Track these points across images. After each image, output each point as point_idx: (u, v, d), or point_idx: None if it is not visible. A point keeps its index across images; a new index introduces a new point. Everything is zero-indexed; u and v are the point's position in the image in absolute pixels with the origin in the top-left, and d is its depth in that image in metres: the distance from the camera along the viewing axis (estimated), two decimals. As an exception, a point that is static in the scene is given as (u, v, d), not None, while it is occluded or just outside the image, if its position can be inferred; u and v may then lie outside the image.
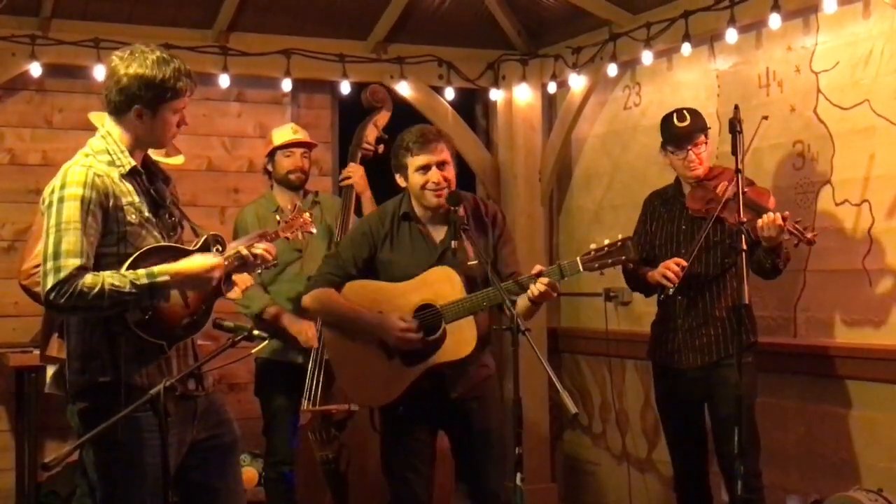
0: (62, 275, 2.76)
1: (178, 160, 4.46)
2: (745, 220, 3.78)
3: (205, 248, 3.06)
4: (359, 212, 4.84)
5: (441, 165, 3.68)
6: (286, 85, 5.63)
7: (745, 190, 3.90)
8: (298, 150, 4.84)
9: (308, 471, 4.57)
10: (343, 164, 5.08)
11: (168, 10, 5.34)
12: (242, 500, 3.23)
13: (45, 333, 4.01)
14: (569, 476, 6.07)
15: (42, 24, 5.20)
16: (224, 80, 5.49)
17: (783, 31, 4.53)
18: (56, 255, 2.77)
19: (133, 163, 2.95)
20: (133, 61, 2.88)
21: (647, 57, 5.08)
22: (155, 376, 2.91)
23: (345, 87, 5.67)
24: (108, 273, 2.81)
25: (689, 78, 5.17)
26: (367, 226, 3.85)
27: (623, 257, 3.37)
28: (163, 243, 2.97)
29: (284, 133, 4.88)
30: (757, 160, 4.58)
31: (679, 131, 4.11)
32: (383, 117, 4.98)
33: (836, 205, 4.38)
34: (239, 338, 2.97)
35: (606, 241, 3.40)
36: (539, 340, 5.59)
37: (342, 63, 5.65)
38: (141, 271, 2.84)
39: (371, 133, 4.94)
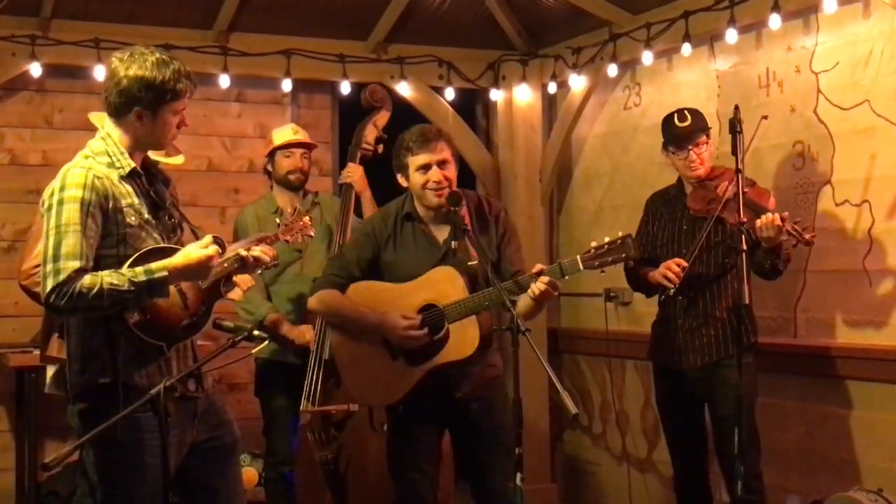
0: (61, 277, 2.76)
1: (177, 160, 4.47)
2: (744, 220, 3.78)
3: (205, 249, 3.06)
4: (358, 212, 4.84)
5: (442, 164, 3.68)
6: (286, 85, 5.63)
7: (746, 190, 3.90)
8: (298, 151, 4.84)
9: (308, 471, 4.57)
10: (343, 164, 5.07)
11: (168, 11, 5.34)
12: (243, 501, 3.23)
13: (45, 334, 4.01)
14: (569, 476, 6.07)
15: (42, 24, 5.20)
16: (224, 81, 5.49)
17: (783, 31, 4.53)
18: (55, 258, 2.77)
19: (133, 164, 2.95)
20: (133, 63, 2.88)
21: (647, 57, 5.08)
22: (155, 377, 2.91)
23: (345, 88, 5.67)
24: (106, 272, 2.81)
25: (690, 78, 5.17)
26: (370, 227, 3.86)
27: (623, 255, 3.37)
28: (162, 245, 2.97)
29: (284, 133, 4.88)
30: (757, 160, 4.58)
31: (680, 131, 4.11)
32: (383, 117, 4.98)
33: (837, 205, 4.38)
34: (239, 338, 2.97)
35: (607, 239, 3.40)
36: (539, 341, 5.58)
37: (342, 63, 5.65)
38: (139, 269, 2.84)
39: (370, 133, 4.94)
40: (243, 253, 3.09)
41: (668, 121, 4.19)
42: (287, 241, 3.54)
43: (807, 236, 3.87)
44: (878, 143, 4.21)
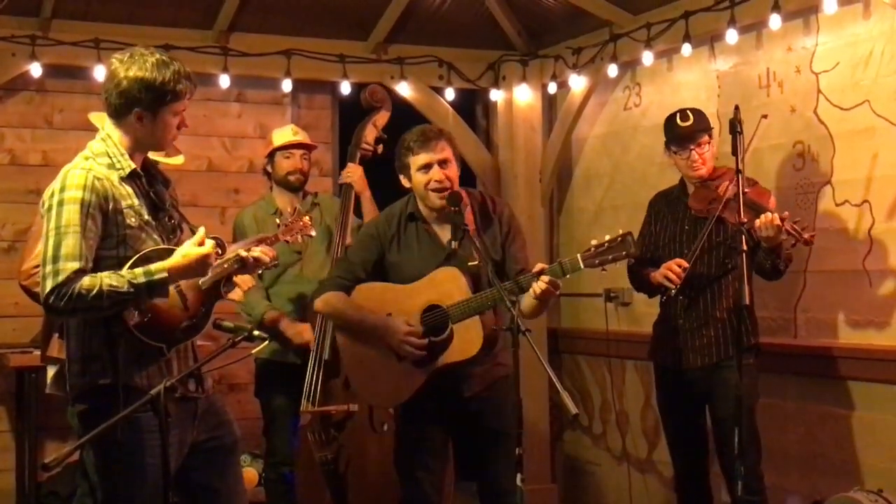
0: (60, 278, 2.76)
1: (177, 160, 4.47)
2: (745, 220, 3.78)
3: (204, 251, 3.06)
4: (358, 212, 4.84)
5: (443, 164, 3.69)
6: (286, 85, 5.63)
7: (747, 190, 3.90)
8: (298, 152, 4.84)
9: (308, 471, 4.57)
10: (343, 164, 5.07)
11: (168, 11, 5.34)
12: (243, 501, 3.23)
13: (45, 334, 4.01)
14: (569, 476, 6.07)
15: (42, 24, 5.20)
16: (224, 81, 5.49)
17: (783, 31, 4.53)
18: (55, 259, 2.77)
19: (133, 166, 2.95)
20: (133, 64, 2.88)
21: (647, 57, 5.08)
22: (155, 378, 2.91)
23: (345, 88, 5.67)
24: (105, 274, 2.81)
25: (690, 78, 5.17)
26: (374, 229, 3.88)
27: (624, 252, 3.37)
28: (162, 246, 2.97)
29: (284, 134, 4.87)
30: (757, 161, 4.58)
31: (682, 131, 4.11)
32: (382, 117, 4.97)
33: (837, 205, 4.38)
34: (239, 338, 2.96)
35: (607, 237, 3.40)
36: (539, 341, 5.58)
37: (342, 63, 5.65)
38: (138, 270, 2.84)
39: (370, 133, 4.94)
40: (243, 254, 3.09)
41: (670, 120, 4.19)
42: (287, 242, 3.54)
43: (806, 235, 3.87)
44: (879, 144, 4.21)
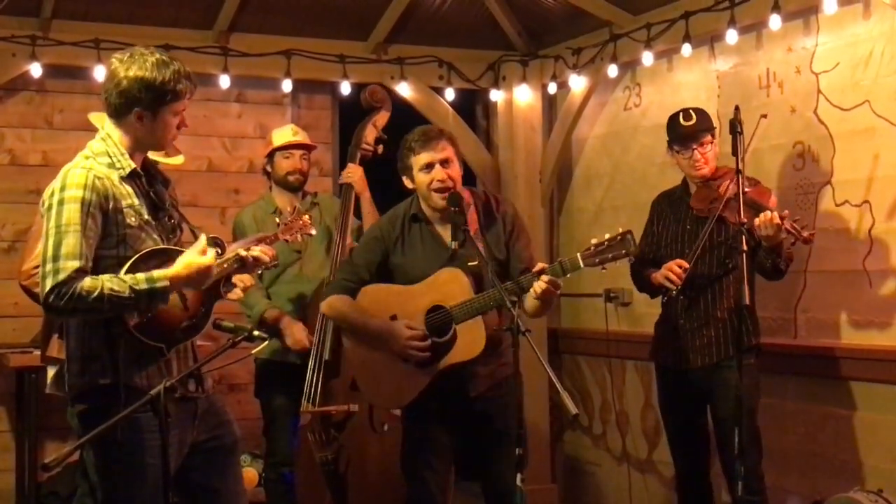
0: (61, 277, 2.75)
1: (177, 160, 4.46)
2: (745, 220, 3.77)
3: (204, 251, 3.06)
4: (357, 213, 4.83)
5: (444, 163, 3.69)
6: (286, 86, 5.63)
7: (748, 190, 3.90)
8: (298, 152, 4.84)
9: (308, 471, 4.57)
10: (343, 164, 5.07)
11: (168, 11, 5.34)
12: (243, 501, 3.23)
13: (45, 334, 4.01)
14: (569, 477, 6.07)
15: (43, 24, 5.20)
16: (224, 81, 5.49)
17: (783, 31, 4.53)
18: (55, 258, 2.77)
19: (133, 165, 2.95)
20: (133, 64, 2.88)
21: (647, 58, 5.08)
22: (155, 378, 2.90)
23: (345, 88, 5.67)
24: (107, 277, 2.81)
25: (690, 79, 5.17)
26: (378, 231, 3.89)
27: (623, 251, 3.36)
28: (162, 246, 2.97)
29: (284, 134, 4.88)
30: (757, 161, 4.58)
31: (685, 130, 4.12)
32: (382, 117, 4.97)
33: (837, 205, 4.38)
34: (239, 338, 2.96)
35: (607, 236, 3.40)
36: (539, 341, 5.58)
37: (342, 64, 5.65)
38: (140, 276, 2.84)
39: (370, 133, 4.94)
40: (243, 253, 3.09)
41: (673, 120, 4.19)
42: (287, 241, 3.53)
43: (805, 234, 3.87)
44: (879, 144, 4.21)
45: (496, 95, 6.04)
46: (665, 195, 4.40)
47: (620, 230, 3.39)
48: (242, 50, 5.49)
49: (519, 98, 5.93)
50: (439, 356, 3.67)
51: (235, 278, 3.16)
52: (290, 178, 4.81)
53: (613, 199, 5.71)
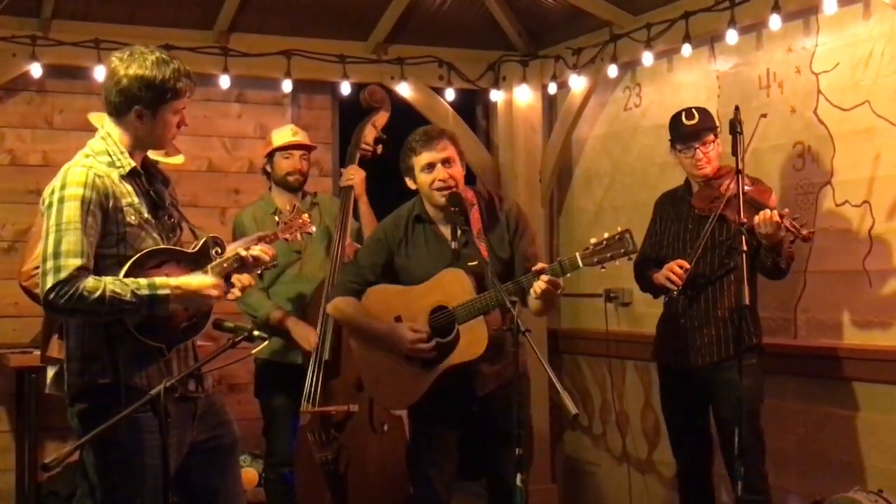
0: (62, 275, 2.75)
1: (177, 160, 4.47)
2: (744, 221, 3.77)
3: (204, 250, 3.06)
4: (357, 214, 4.83)
5: (446, 163, 3.70)
6: (286, 86, 5.63)
7: (748, 189, 3.91)
8: (297, 152, 4.84)
9: (308, 472, 4.57)
10: (343, 164, 5.07)
11: (168, 11, 5.34)
12: (242, 501, 3.23)
13: (45, 334, 4.01)
14: (569, 477, 6.07)
15: (43, 24, 5.20)
16: (224, 81, 5.49)
17: (783, 32, 4.53)
18: (56, 255, 2.77)
19: (133, 164, 2.95)
20: (133, 62, 2.88)
21: (647, 58, 5.08)
22: (155, 378, 2.90)
23: (345, 88, 5.67)
24: (109, 279, 2.81)
25: (690, 79, 5.17)
26: (382, 232, 3.91)
27: (622, 250, 3.37)
28: (162, 245, 2.97)
29: (283, 134, 4.87)
30: (757, 161, 4.58)
31: (687, 130, 4.12)
32: (382, 118, 4.97)
33: (837, 206, 4.38)
34: (239, 338, 2.96)
35: (606, 235, 3.40)
36: (539, 341, 5.58)
37: (342, 64, 5.65)
38: (143, 281, 2.84)
39: (369, 134, 4.93)
40: (242, 253, 3.09)
41: (675, 119, 4.19)
42: (286, 240, 3.53)
43: (805, 232, 3.88)
44: (879, 144, 4.21)
45: (496, 95, 6.04)
46: (668, 195, 4.40)
47: (619, 229, 3.39)
48: (242, 50, 5.49)
49: (519, 98, 5.93)
50: (443, 356, 3.68)
51: (234, 278, 3.15)
52: (290, 178, 4.81)
53: (613, 199, 5.71)
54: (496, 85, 6.02)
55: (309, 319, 4.60)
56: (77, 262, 2.77)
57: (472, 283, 3.64)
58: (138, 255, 2.89)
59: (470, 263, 3.63)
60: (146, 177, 3.01)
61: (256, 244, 3.17)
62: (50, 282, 2.76)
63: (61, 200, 2.82)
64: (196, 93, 3.02)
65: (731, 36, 4.61)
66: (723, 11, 4.62)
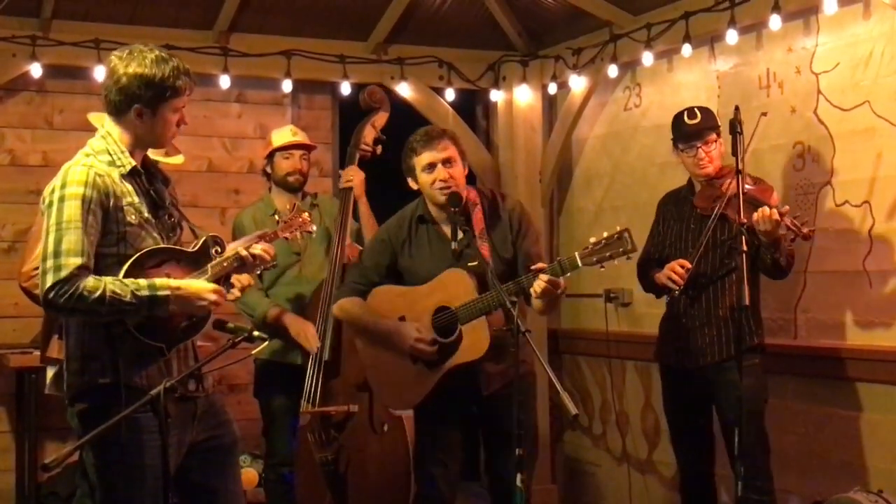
0: (63, 274, 2.75)
1: (177, 160, 4.47)
2: (745, 221, 3.77)
3: (204, 250, 3.06)
4: (356, 215, 4.82)
5: (447, 162, 3.71)
6: (286, 86, 5.63)
7: (750, 188, 3.91)
8: (297, 152, 4.83)
9: (308, 472, 4.57)
10: (343, 165, 5.06)
11: (169, 11, 5.35)
12: (242, 501, 3.22)
13: (45, 334, 4.01)
14: (569, 477, 6.07)
15: (43, 24, 5.20)
16: (224, 81, 5.49)
17: (783, 32, 4.53)
18: (56, 254, 2.77)
19: (133, 163, 2.95)
20: (132, 61, 2.88)
21: (647, 58, 5.08)
22: (155, 378, 2.90)
23: (345, 88, 5.67)
24: (110, 279, 2.81)
25: (690, 79, 5.17)
26: (385, 233, 3.93)
27: (621, 249, 3.37)
28: (162, 245, 2.97)
29: (283, 135, 4.87)
30: (757, 161, 4.58)
31: (689, 129, 4.12)
32: (381, 118, 4.96)
33: (837, 206, 4.38)
34: (239, 339, 2.96)
35: (605, 234, 3.40)
36: (539, 341, 5.58)
37: (342, 64, 5.65)
38: (143, 282, 2.84)
39: (369, 134, 4.93)
40: (243, 252, 3.09)
41: (677, 118, 4.19)
42: (286, 239, 3.52)
43: (805, 230, 3.88)
44: (879, 144, 4.21)
45: (496, 96, 6.04)
46: (671, 195, 4.40)
47: (618, 228, 3.39)
48: (242, 50, 5.49)
49: (519, 98, 5.93)
50: (446, 356, 3.69)
51: (234, 278, 3.15)
52: (290, 178, 4.80)
53: (613, 199, 5.71)
54: (496, 85, 6.02)
55: (309, 319, 4.59)
56: (77, 261, 2.77)
57: (474, 283, 3.65)
58: (138, 254, 2.89)
59: (470, 264, 3.63)
60: (146, 176, 3.01)
61: (257, 243, 3.17)
62: (50, 280, 2.76)
63: (62, 199, 2.82)
64: (196, 93, 3.02)
65: (731, 36, 4.61)
66: (723, 11, 4.62)
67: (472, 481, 5.32)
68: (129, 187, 2.93)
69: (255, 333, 2.98)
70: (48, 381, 4.12)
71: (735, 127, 3.82)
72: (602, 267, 3.42)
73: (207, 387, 3.11)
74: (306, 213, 3.58)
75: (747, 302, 3.74)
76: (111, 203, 2.86)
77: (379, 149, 4.93)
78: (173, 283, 2.89)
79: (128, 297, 2.80)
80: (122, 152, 2.94)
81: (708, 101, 4.94)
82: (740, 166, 3.80)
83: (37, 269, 3.33)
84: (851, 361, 4.32)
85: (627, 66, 5.46)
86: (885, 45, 4.18)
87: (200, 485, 3.09)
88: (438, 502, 3.82)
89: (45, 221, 2.84)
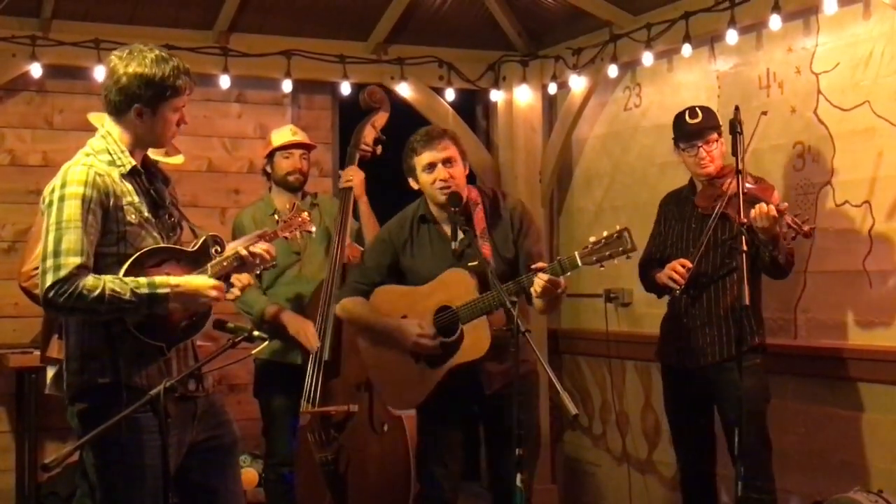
0: (62, 273, 2.75)
1: (177, 160, 4.46)
2: (745, 221, 3.77)
3: (204, 249, 3.06)
4: (356, 215, 4.82)
5: (447, 162, 3.71)
6: (286, 86, 5.63)
7: (751, 187, 3.91)
8: (297, 152, 4.84)
9: (307, 472, 4.57)
10: (343, 164, 5.06)
11: (169, 11, 5.35)
12: (241, 501, 3.22)
13: (45, 334, 4.01)
14: (569, 477, 6.07)
15: (43, 24, 5.20)
16: (224, 81, 5.49)
17: (783, 32, 4.53)
18: (56, 253, 2.77)
19: (133, 162, 2.95)
20: (132, 60, 2.88)
21: (647, 58, 5.08)
22: (155, 377, 2.90)
23: (345, 88, 5.67)
24: (109, 277, 2.81)
25: (690, 79, 5.17)
26: (387, 233, 3.94)
27: (621, 248, 3.36)
28: (162, 244, 2.97)
29: (283, 134, 4.87)
30: (757, 161, 4.58)
31: (691, 128, 4.12)
32: (381, 118, 4.96)
33: (837, 206, 4.38)
34: (239, 339, 2.96)
35: (604, 234, 3.40)
36: (539, 341, 5.58)
37: (342, 64, 5.65)
38: (142, 280, 2.84)
39: (369, 134, 4.93)
40: (242, 251, 3.09)
41: (679, 118, 4.19)
42: (286, 238, 3.52)
43: (805, 228, 3.88)
44: (879, 144, 4.21)
45: (496, 96, 6.04)
46: (672, 195, 4.40)
47: (618, 227, 3.39)
48: (242, 50, 5.49)
49: (519, 98, 5.93)
50: (447, 356, 3.70)
51: (234, 278, 3.15)
52: (290, 178, 4.80)
53: (613, 199, 5.71)
54: (496, 85, 6.02)
55: (309, 318, 4.59)
56: (77, 260, 2.77)
57: (475, 282, 3.65)
58: (138, 253, 2.89)
59: (471, 263, 3.64)
60: (146, 176, 3.01)
61: (256, 242, 3.17)
62: (49, 280, 2.76)
63: (62, 199, 2.82)
64: (196, 93, 3.02)
65: (731, 36, 4.61)
66: (723, 11, 4.62)
67: (473, 481, 5.32)
68: (129, 187, 2.93)
69: (256, 333, 2.98)
70: (48, 380, 4.13)
71: (735, 127, 3.82)
72: (602, 266, 3.42)
73: (207, 387, 3.11)
74: (306, 213, 3.58)
75: (747, 301, 3.74)
76: (111, 202, 2.86)
77: (379, 149, 4.93)
78: (173, 280, 2.89)
79: (127, 296, 2.80)
80: (122, 152, 2.94)
81: (708, 101, 4.94)
82: (740, 166, 3.80)
83: (37, 268, 3.32)
84: (852, 361, 4.32)
85: (627, 66, 5.46)
86: (885, 45, 4.18)
87: (200, 485, 3.08)
88: (440, 502, 3.83)
89: (45, 221, 2.85)
